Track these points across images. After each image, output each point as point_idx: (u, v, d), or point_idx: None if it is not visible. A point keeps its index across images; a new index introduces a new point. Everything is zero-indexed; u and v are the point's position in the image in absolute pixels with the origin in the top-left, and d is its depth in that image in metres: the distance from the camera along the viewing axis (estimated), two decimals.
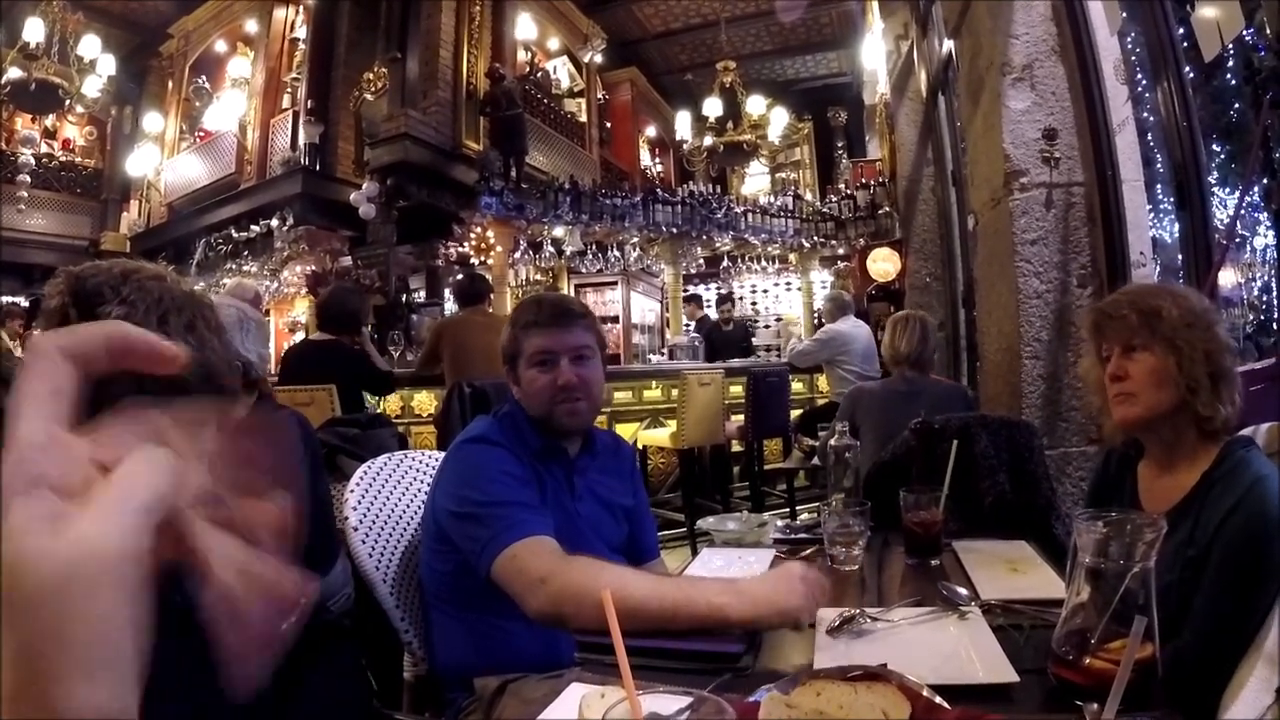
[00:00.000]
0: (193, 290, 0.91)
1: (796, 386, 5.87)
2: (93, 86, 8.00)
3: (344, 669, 1.17)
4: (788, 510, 4.82)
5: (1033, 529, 1.67)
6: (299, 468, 1.67)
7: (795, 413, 5.31)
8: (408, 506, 1.59)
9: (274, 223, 8.00)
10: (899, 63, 5.67)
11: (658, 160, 11.69)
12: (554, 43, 9.98)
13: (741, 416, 4.88)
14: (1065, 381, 2.62)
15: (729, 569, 1.43)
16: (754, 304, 10.30)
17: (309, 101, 8.58)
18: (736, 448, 5.36)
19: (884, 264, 8.20)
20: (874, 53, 6.76)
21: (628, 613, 0.92)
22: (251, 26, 9.86)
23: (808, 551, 1.53)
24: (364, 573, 1.47)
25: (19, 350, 6.23)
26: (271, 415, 1.50)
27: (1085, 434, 2.54)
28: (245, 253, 8.27)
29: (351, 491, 1.52)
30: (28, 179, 10.46)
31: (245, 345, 1.82)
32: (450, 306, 7.73)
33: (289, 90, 9.01)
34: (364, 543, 1.49)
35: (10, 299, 11.29)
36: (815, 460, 4.28)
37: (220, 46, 10.24)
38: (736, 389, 5.14)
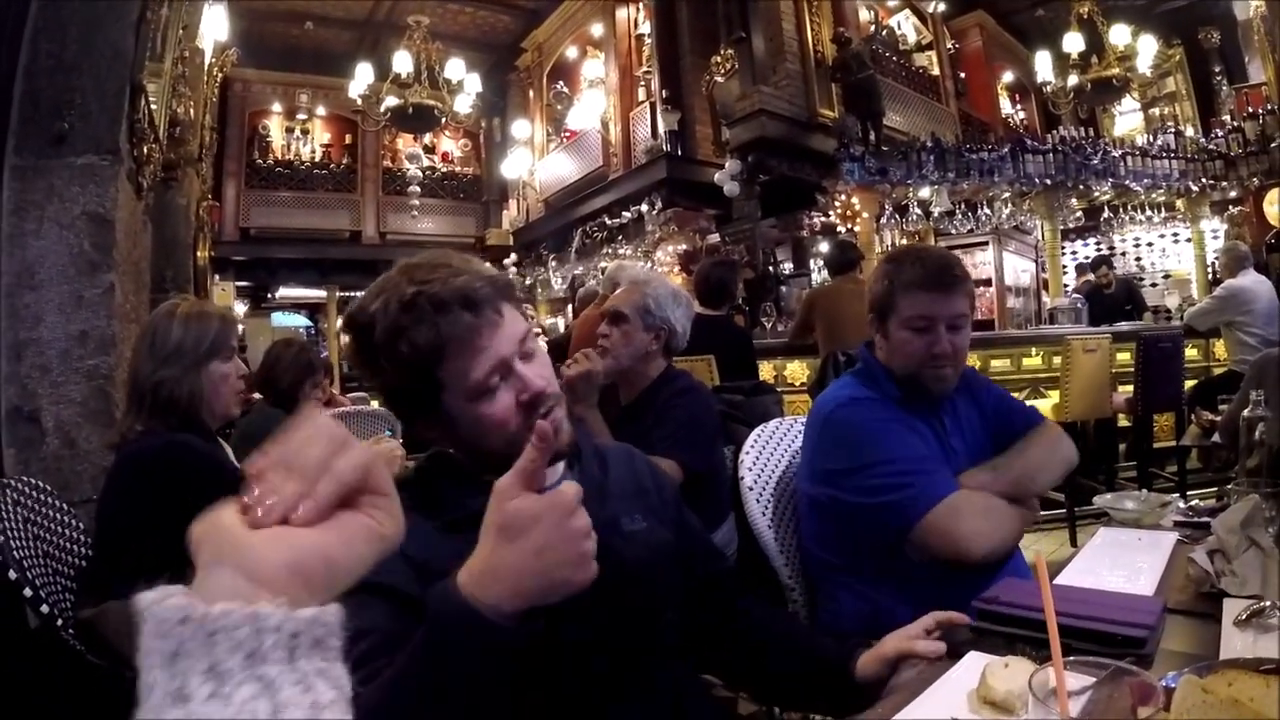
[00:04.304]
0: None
1: (1191, 354, 5.73)
2: (463, 104, 9.70)
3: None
4: (1178, 495, 4.75)
5: None
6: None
7: (1189, 383, 5.21)
8: (798, 469, 1.77)
9: (643, 208, 9.56)
10: None
11: (1019, 107, 11.75)
12: None
13: (1130, 387, 4.88)
14: None
15: (1129, 550, 1.47)
16: (1138, 260, 9.88)
17: (663, 91, 10.09)
18: (1123, 422, 5.32)
19: None
20: None
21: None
22: (597, 30, 11.69)
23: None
24: (757, 531, 1.66)
25: None
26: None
27: None
28: (619, 238, 9.96)
29: (747, 453, 1.74)
30: (417, 189, 13.19)
31: (675, 315, 2.21)
32: (817, 276, 8.53)
33: (643, 83, 10.61)
34: (758, 501, 1.68)
35: None
36: (1215, 437, 4.16)
37: (571, 53, 12.19)
38: (1124, 356, 5.17)
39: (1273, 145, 8.18)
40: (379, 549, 0.47)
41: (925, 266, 1.55)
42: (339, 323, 14.26)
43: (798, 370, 5.53)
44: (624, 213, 10.03)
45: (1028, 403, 5.14)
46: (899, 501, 1.40)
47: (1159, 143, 8.78)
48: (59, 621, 1.48)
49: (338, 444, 0.47)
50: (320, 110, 13.75)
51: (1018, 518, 1.48)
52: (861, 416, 1.52)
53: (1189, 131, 9.41)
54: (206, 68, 5.20)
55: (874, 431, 1.49)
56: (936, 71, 10.49)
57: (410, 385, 0.99)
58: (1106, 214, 9.26)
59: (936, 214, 8.37)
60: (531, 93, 12.93)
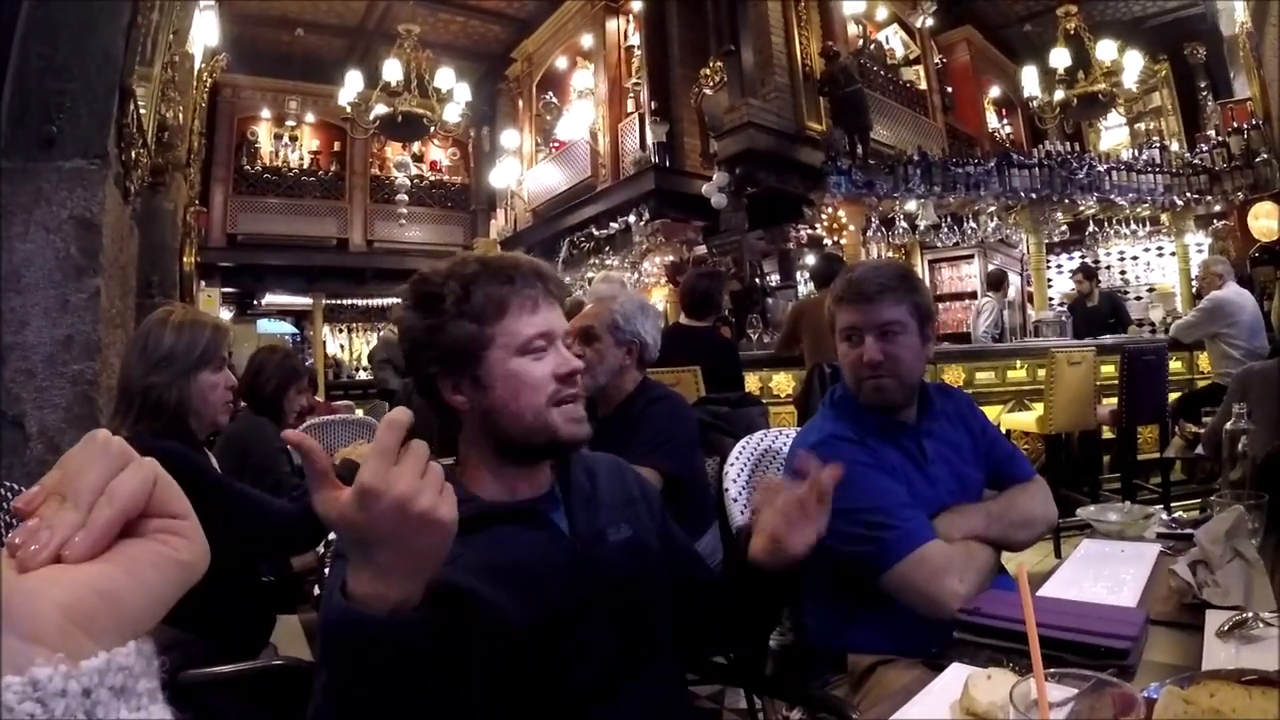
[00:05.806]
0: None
1: (1175, 366, 5.80)
2: (452, 113, 9.66)
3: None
4: (1161, 507, 4.77)
5: None
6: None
7: (1172, 396, 5.27)
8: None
9: (631, 218, 9.56)
10: None
11: (1005, 122, 11.87)
12: (882, 12, 10.65)
13: (1114, 399, 4.94)
14: None
15: (1112, 562, 1.51)
16: (1123, 273, 9.98)
17: (652, 103, 10.11)
18: (1107, 434, 5.35)
19: (1267, 220, 7.76)
20: None
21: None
22: (587, 41, 11.68)
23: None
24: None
25: None
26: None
27: None
28: (606, 248, 9.97)
29: (732, 465, 1.75)
30: (405, 198, 13.10)
31: (645, 327, 2.20)
32: (803, 288, 8.57)
33: (632, 95, 10.63)
34: (742, 513, 1.68)
35: (397, 300, 14.40)
36: (1199, 449, 4.18)
37: (561, 63, 12.21)
38: (1108, 369, 5.23)
39: (1257, 160, 8.32)
40: (177, 577, 0.41)
41: (852, 279, 1.58)
42: (325, 331, 14.23)
43: (784, 382, 5.54)
44: (611, 223, 10.02)
45: (1013, 415, 5.25)
46: (869, 553, 1.39)
47: (1144, 157, 8.91)
48: None
49: (116, 462, 0.41)
50: (309, 117, 13.68)
51: (993, 558, 1.47)
52: (835, 459, 1.48)
53: (1174, 146, 9.57)
54: (196, 73, 5.19)
55: (848, 476, 1.43)
56: (924, 86, 10.57)
57: (461, 337, 1.05)
58: (1091, 228, 9.36)
59: (922, 227, 8.44)
60: (521, 103, 12.93)
